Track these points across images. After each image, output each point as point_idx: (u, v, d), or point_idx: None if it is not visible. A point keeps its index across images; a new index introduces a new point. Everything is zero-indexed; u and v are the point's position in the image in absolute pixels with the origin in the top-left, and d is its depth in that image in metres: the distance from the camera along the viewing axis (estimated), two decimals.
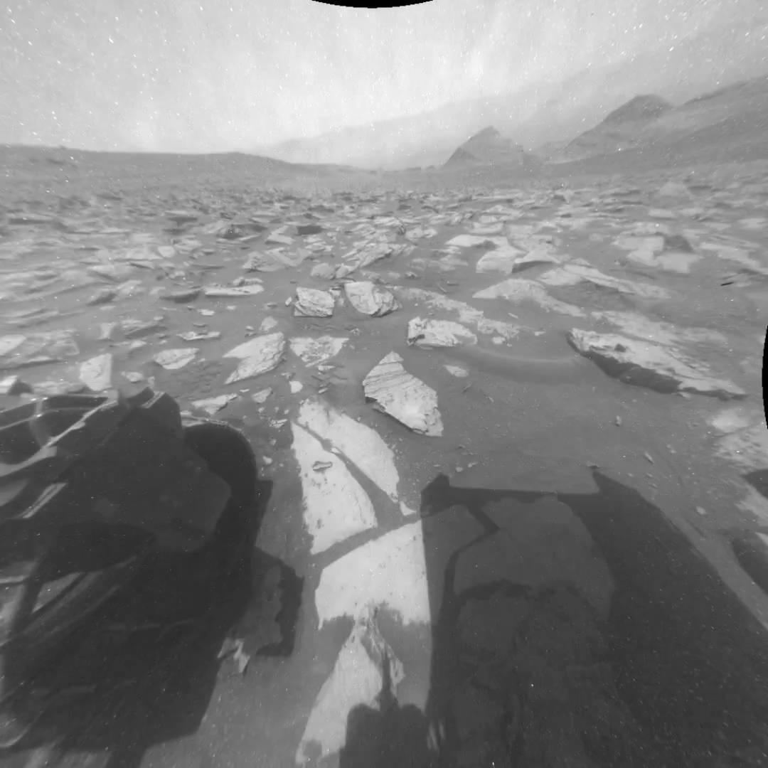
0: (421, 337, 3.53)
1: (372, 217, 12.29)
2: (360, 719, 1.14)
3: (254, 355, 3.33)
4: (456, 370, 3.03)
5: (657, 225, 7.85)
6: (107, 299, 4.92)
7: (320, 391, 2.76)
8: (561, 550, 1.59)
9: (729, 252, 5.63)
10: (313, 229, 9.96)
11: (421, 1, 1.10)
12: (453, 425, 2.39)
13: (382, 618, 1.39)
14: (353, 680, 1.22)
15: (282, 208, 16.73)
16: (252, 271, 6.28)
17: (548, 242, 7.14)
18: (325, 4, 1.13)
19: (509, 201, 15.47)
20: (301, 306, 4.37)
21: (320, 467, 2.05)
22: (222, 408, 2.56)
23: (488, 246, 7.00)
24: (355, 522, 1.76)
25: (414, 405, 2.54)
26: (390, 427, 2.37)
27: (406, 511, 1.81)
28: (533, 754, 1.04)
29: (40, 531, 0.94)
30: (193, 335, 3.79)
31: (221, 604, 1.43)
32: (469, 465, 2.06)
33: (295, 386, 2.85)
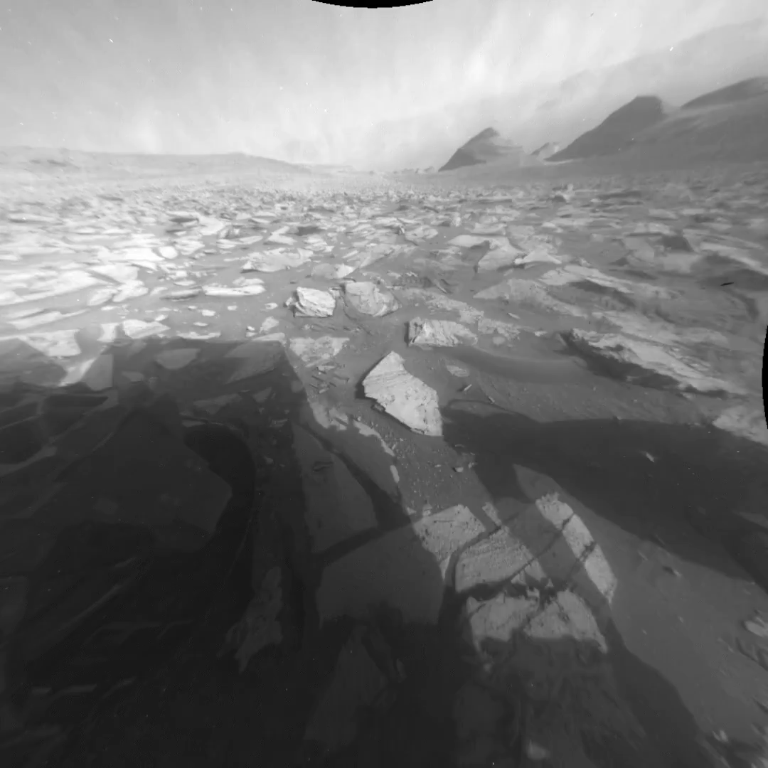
0: (421, 336, 3.54)
1: (372, 218, 12.31)
2: (361, 720, 1.13)
3: (255, 355, 3.33)
4: (457, 370, 3.03)
5: (657, 225, 7.84)
6: (108, 300, 4.94)
7: (321, 391, 2.76)
8: (562, 549, 1.59)
9: (729, 252, 5.62)
10: (314, 230, 9.97)
11: (421, 1, 1.11)
12: (453, 425, 2.39)
13: (383, 617, 1.39)
14: (355, 680, 1.22)
15: (282, 208, 16.75)
16: (252, 271, 6.29)
17: (548, 242, 7.14)
18: (324, 3, 1.14)
19: (509, 201, 15.46)
20: (302, 306, 4.37)
21: (320, 467, 2.05)
22: (223, 408, 2.56)
23: (489, 246, 6.99)
24: (355, 522, 1.76)
25: (414, 405, 2.53)
26: (390, 427, 2.37)
27: (407, 510, 1.81)
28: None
29: (41, 530, 0.94)
30: (194, 335, 3.80)
31: (221, 603, 1.42)
32: (469, 465, 2.06)
33: (296, 386, 2.85)
